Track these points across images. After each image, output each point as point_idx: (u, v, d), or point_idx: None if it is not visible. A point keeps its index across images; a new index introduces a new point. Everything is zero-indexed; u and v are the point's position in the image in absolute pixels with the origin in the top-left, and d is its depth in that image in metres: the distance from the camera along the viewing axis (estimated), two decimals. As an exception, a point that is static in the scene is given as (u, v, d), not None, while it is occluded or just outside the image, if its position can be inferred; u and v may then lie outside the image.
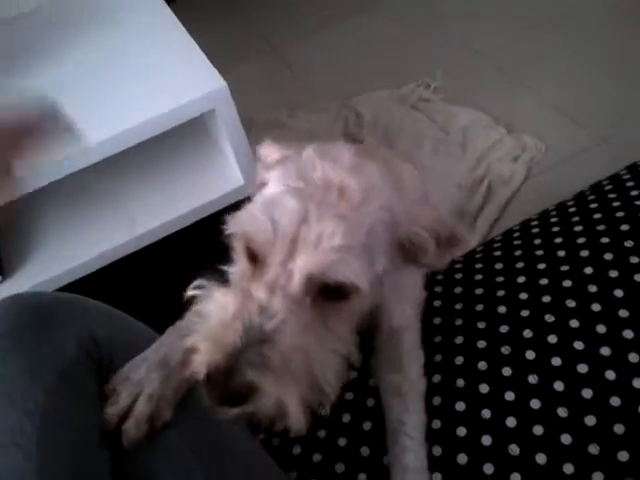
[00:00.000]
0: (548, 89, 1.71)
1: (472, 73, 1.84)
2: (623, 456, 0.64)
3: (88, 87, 1.10)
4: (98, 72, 1.14)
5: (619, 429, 0.66)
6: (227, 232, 0.62)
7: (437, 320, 0.85)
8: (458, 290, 0.89)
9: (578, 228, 0.87)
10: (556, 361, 0.73)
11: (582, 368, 0.71)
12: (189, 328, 0.59)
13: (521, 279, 0.84)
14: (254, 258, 0.60)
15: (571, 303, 0.78)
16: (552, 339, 0.75)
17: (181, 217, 1.16)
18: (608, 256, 0.81)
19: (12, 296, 0.65)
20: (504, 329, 0.79)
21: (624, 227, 0.84)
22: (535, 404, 0.70)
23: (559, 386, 0.71)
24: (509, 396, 0.72)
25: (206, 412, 0.65)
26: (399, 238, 0.63)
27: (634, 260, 0.79)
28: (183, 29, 1.20)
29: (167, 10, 1.29)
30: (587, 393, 0.69)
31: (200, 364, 0.54)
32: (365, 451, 0.75)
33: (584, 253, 0.83)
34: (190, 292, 0.61)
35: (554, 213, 0.95)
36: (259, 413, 0.54)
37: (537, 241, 0.90)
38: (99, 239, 1.14)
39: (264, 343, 0.53)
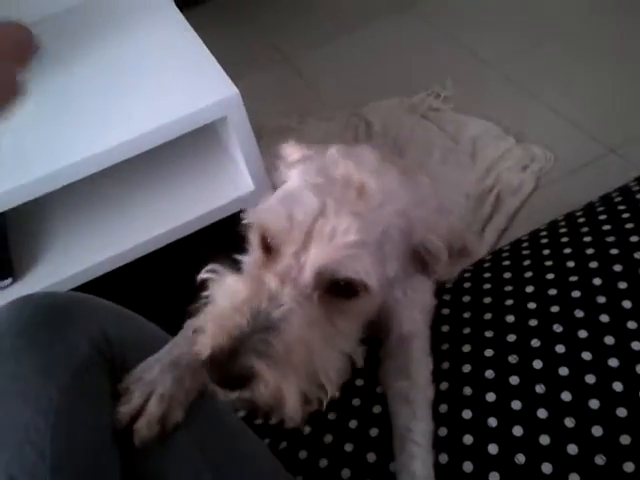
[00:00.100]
0: (558, 100, 1.72)
1: (482, 83, 1.85)
2: (629, 467, 0.64)
3: (102, 93, 1.12)
4: (112, 78, 1.15)
5: (625, 440, 0.66)
6: (244, 223, 0.64)
7: (445, 328, 0.86)
8: (466, 299, 0.89)
9: (587, 239, 0.88)
10: (563, 371, 0.73)
11: (590, 379, 0.71)
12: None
13: (529, 289, 0.85)
14: (268, 249, 0.61)
15: (579, 313, 0.78)
16: (560, 349, 0.75)
17: (190, 222, 1.17)
18: (617, 267, 0.81)
19: (26, 296, 0.65)
20: (512, 338, 0.79)
21: (634, 238, 0.84)
22: (542, 414, 0.70)
23: (566, 396, 0.71)
24: (516, 405, 0.72)
25: (216, 415, 0.66)
26: (413, 245, 0.64)
27: (643, 272, 0.79)
28: (197, 37, 1.22)
29: (181, 18, 1.30)
30: (594, 404, 0.69)
31: (205, 345, 0.55)
32: (371, 457, 0.75)
33: (593, 264, 0.83)
34: (203, 275, 0.62)
35: (563, 223, 0.95)
36: (257, 400, 0.55)
37: (546, 251, 0.90)
38: (108, 243, 1.15)
39: (269, 331, 0.54)
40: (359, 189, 0.59)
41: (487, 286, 0.89)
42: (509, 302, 0.84)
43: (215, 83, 1.08)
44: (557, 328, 0.77)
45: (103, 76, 1.16)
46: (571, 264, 0.85)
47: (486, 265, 0.95)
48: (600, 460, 0.65)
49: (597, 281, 0.81)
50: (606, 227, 0.88)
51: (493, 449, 0.70)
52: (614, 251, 0.84)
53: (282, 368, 0.53)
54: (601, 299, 0.78)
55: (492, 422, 0.72)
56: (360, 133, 1.72)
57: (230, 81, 1.07)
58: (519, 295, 0.85)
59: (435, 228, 0.64)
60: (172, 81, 1.12)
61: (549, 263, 0.87)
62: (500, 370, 0.76)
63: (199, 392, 0.64)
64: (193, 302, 0.62)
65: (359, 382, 0.83)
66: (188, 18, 1.29)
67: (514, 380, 0.74)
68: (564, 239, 0.90)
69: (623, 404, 0.68)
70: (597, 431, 0.67)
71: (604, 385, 0.70)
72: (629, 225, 0.87)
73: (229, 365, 0.53)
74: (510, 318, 0.82)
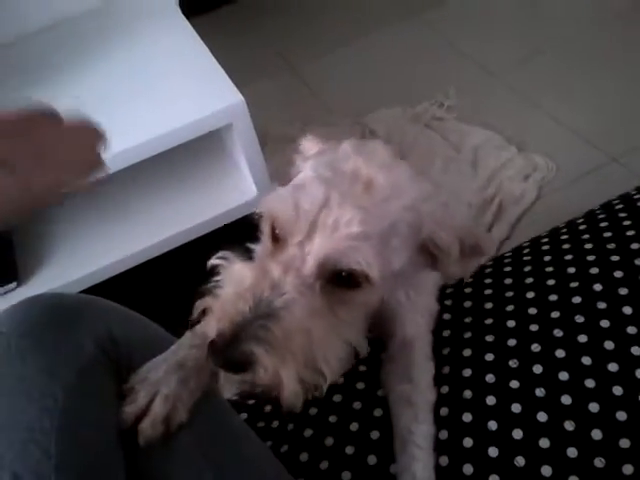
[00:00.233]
0: (560, 109, 1.72)
1: (484, 92, 1.86)
2: (628, 469, 0.64)
3: (108, 100, 1.12)
4: (118, 85, 1.16)
5: (625, 443, 0.66)
6: (257, 212, 0.65)
7: (446, 332, 0.86)
8: (468, 304, 0.90)
9: (588, 246, 0.88)
10: (563, 375, 0.74)
11: (589, 383, 0.72)
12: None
13: (530, 294, 0.85)
14: (276, 239, 0.63)
15: (580, 319, 0.78)
16: (560, 353, 0.76)
17: (194, 227, 1.18)
18: (618, 274, 0.82)
19: (33, 297, 0.66)
20: (512, 343, 0.80)
21: (634, 246, 0.85)
22: (542, 417, 0.71)
23: (566, 400, 0.71)
24: (516, 408, 0.73)
25: (220, 416, 0.67)
26: (422, 239, 0.65)
27: (643, 278, 0.80)
28: (203, 45, 1.23)
29: (187, 25, 1.32)
30: (594, 407, 0.70)
31: (212, 327, 0.57)
32: (372, 459, 0.76)
33: (594, 270, 0.84)
34: (213, 260, 0.64)
35: (564, 230, 0.96)
36: (256, 383, 0.56)
37: (547, 258, 0.91)
38: (113, 247, 1.16)
39: (270, 318, 0.56)
40: (366, 183, 0.61)
41: (488, 292, 0.90)
42: (510, 307, 0.85)
43: (221, 90, 1.09)
44: (557, 333, 0.78)
45: (110, 83, 1.17)
46: (572, 270, 0.86)
47: (487, 271, 0.95)
48: (599, 463, 0.66)
49: (598, 287, 0.81)
50: (607, 234, 0.89)
51: (493, 452, 0.71)
52: (615, 258, 0.84)
53: (281, 354, 0.55)
54: (601, 305, 0.79)
55: (492, 425, 0.73)
56: (364, 141, 1.72)
57: (235, 88, 1.08)
58: (520, 301, 0.85)
59: (445, 223, 0.65)
60: (178, 88, 1.13)
61: (550, 269, 0.88)
62: (500, 374, 0.77)
63: (203, 393, 0.65)
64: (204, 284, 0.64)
65: (360, 385, 0.84)
66: (194, 26, 1.31)
67: (514, 384, 0.75)
68: (565, 246, 0.91)
69: (623, 408, 0.69)
70: (597, 434, 0.68)
71: (604, 389, 0.71)
72: (630, 232, 0.87)
73: (230, 350, 0.55)
74: (511, 323, 0.82)
